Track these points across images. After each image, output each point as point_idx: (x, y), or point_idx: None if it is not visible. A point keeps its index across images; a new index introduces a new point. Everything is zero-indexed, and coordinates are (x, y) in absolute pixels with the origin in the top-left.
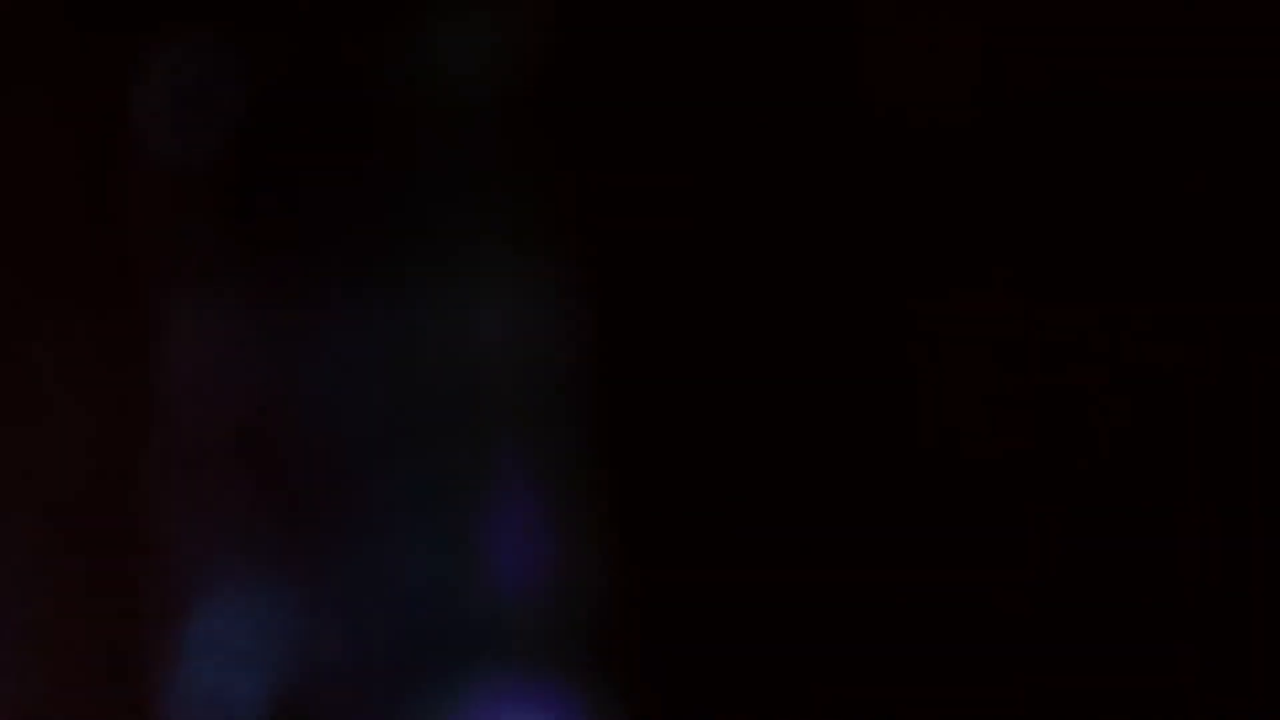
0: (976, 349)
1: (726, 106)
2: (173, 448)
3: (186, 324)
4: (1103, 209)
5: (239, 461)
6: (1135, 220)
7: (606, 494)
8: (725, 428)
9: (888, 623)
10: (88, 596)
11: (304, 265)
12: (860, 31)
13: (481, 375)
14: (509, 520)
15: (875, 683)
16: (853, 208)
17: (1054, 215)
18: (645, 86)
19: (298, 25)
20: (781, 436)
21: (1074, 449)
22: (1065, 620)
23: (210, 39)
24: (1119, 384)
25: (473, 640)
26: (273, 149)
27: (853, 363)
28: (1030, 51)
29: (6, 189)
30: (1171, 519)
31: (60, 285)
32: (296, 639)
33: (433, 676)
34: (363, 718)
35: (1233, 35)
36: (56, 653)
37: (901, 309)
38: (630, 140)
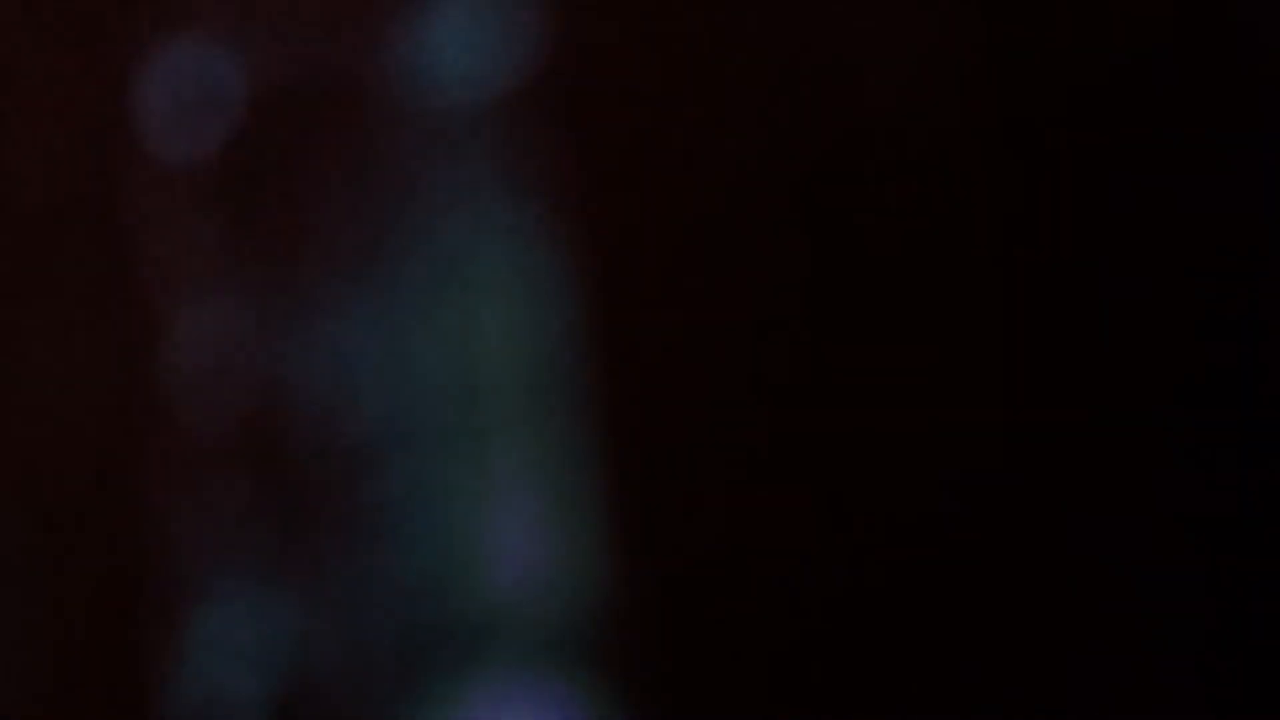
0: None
1: (728, 107)
2: (173, 448)
3: (186, 324)
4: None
5: (239, 461)
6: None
7: (606, 494)
8: (725, 426)
9: (889, 623)
10: (88, 596)
11: (304, 265)
12: (856, 33)
13: (481, 375)
14: (509, 520)
15: (875, 682)
16: (850, 209)
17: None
18: (646, 85)
19: (297, 25)
20: (782, 435)
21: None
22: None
23: (210, 39)
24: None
25: (473, 640)
26: (273, 149)
27: (850, 362)
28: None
29: (7, 189)
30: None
31: (60, 285)
32: (296, 639)
33: (433, 676)
34: (363, 717)
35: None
36: (56, 653)
37: (894, 305)
38: (631, 139)
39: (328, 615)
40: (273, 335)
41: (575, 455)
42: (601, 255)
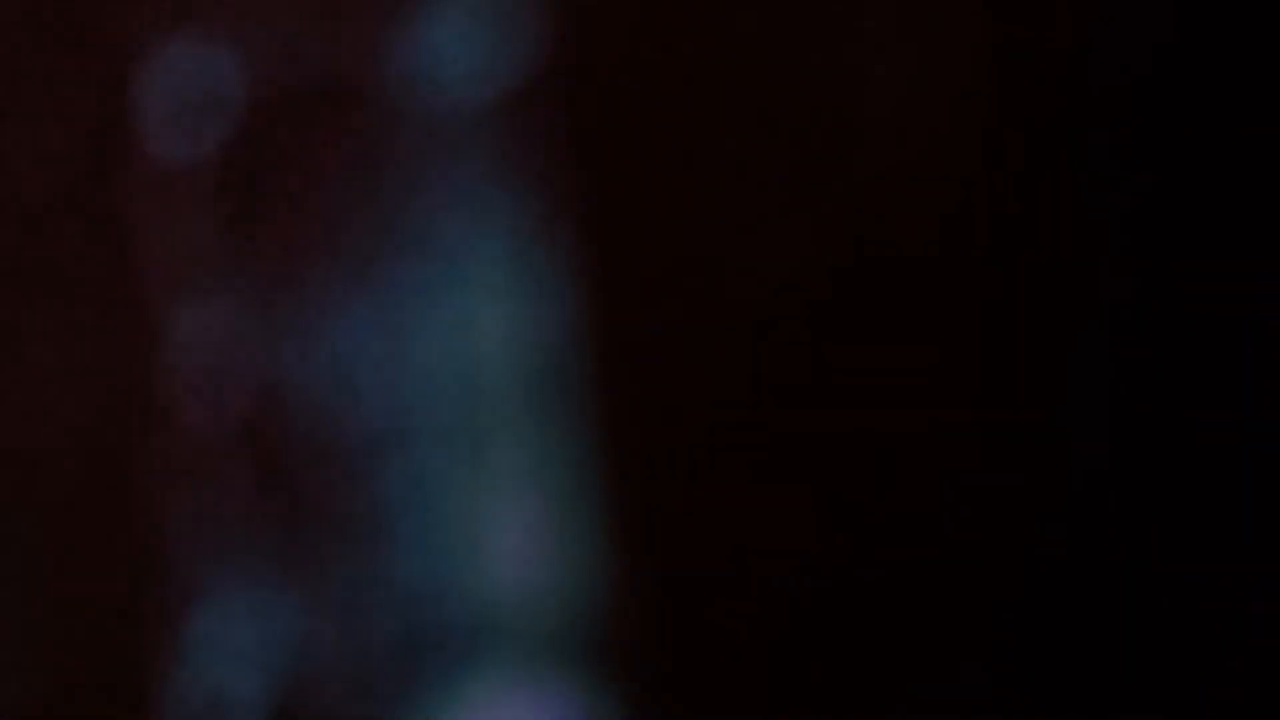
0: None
1: (728, 107)
2: (173, 448)
3: (186, 324)
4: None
5: (239, 461)
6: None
7: (606, 494)
8: (725, 426)
9: (889, 623)
10: (88, 596)
11: (304, 265)
12: (855, 32)
13: (481, 375)
14: (508, 520)
15: (875, 682)
16: (850, 209)
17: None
18: (646, 85)
19: (297, 25)
20: (782, 435)
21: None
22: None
23: (210, 39)
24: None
25: (473, 640)
26: (273, 149)
27: (850, 362)
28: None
29: (7, 189)
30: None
31: (60, 285)
32: (296, 639)
33: (433, 676)
34: (363, 718)
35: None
36: (56, 653)
37: (894, 304)
38: (631, 139)
39: (328, 615)
40: (273, 335)
41: (575, 455)
42: (601, 255)
